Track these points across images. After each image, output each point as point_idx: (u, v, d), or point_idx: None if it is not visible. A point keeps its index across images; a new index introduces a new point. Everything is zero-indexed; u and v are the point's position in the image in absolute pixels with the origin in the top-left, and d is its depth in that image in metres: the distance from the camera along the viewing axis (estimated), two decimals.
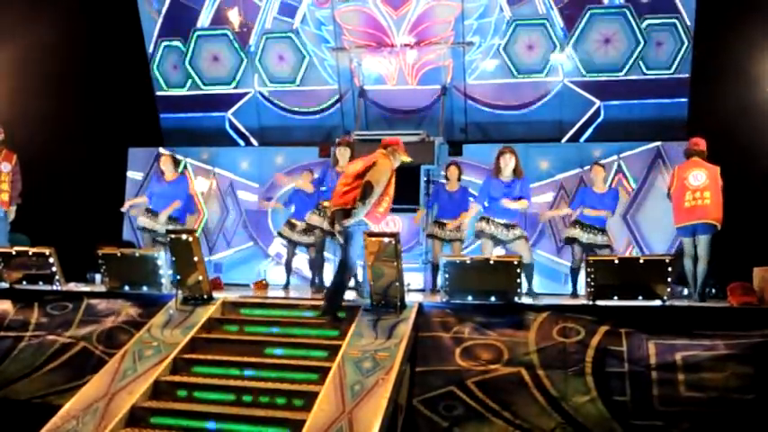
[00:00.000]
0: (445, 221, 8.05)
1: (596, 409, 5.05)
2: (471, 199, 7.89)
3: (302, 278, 9.40)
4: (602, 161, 8.43)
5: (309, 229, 8.29)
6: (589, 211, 7.58)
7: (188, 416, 5.04)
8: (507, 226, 7.13)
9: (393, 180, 6.27)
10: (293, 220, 8.56)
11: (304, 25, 10.44)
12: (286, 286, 8.66)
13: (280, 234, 8.69)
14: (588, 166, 8.31)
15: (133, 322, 6.22)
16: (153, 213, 8.02)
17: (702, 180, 6.98)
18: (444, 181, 8.50)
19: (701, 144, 7.27)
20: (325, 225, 7.40)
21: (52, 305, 6.60)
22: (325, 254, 8.21)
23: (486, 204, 7.38)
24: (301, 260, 9.10)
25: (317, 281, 7.98)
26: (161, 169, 8.37)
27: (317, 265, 7.93)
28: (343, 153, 7.59)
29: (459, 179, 8.35)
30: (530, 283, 7.21)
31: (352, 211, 6.02)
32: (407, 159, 6.44)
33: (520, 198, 7.17)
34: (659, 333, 5.29)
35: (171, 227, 7.70)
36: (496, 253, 7.50)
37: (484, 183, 7.45)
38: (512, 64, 9.97)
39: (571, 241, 7.69)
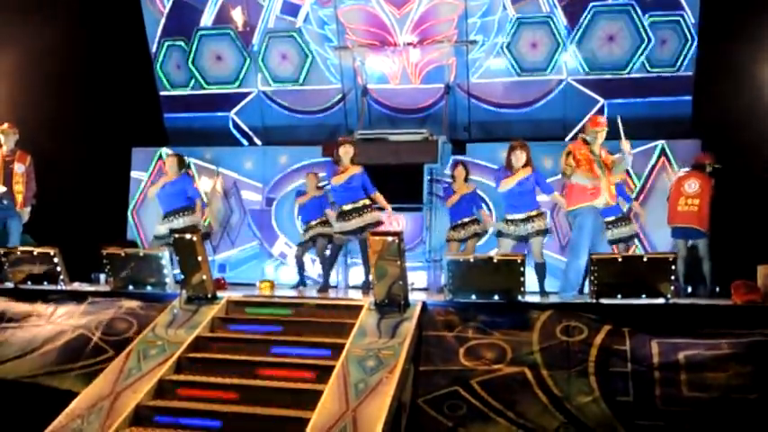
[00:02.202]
0: (459, 222, 8.11)
1: (599, 410, 5.04)
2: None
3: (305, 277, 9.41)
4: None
5: (314, 226, 8.39)
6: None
7: (193, 415, 5.05)
8: (526, 219, 7.08)
9: (587, 158, 6.61)
10: (309, 224, 8.66)
11: (307, 24, 10.45)
12: (297, 286, 8.67)
13: (302, 244, 8.76)
14: None
15: (134, 313, 6.24)
16: (164, 217, 7.99)
17: (695, 189, 7.89)
18: (450, 180, 8.50)
19: (704, 159, 8.13)
20: (352, 226, 7.30)
21: (56, 302, 6.62)
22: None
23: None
24: (305, 259, 9.13)
25: (322, 279, 7.97)
26: (165, 170, 8.36)
27: (328, 262, 7.89)
28: (347, 151, 7.52)
29: (466, 180, 8.36)
30: (541, 283, 7.20)
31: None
32: (598, 129, 6.69)
33: (550, 192, 7.36)
34: (662, 332, 5.28)
35: (182, 220, 7.78)
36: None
37: (496, 178, 7.38)
38: (515, 62, 9.97)
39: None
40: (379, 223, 7.32)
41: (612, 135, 6.78)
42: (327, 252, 8.34)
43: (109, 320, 6.21)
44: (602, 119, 6.86)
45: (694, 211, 7.82)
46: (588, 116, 7.05)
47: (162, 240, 7.83)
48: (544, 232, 7.16)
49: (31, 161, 8.09)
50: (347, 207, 7.32)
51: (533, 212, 7.10)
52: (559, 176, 9.21)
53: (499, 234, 7.25)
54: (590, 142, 6.67)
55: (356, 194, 7.39)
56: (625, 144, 6.57)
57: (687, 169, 8.51)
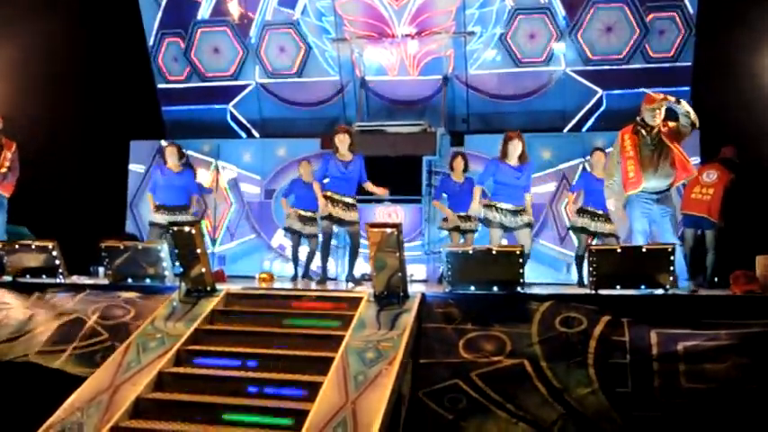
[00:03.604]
0: (462, 214, 8.09)
1: (598, 401, 5.04)
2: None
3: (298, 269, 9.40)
4: (605, 150, 8.36)
5: (312, 218, 8.35)
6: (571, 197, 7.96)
7: (193, 407, 5.05)
8: (515, 212, 7.06)
9: (633, 143, 6.27)
10: (298, 211, 8.57)
11: (304, 16, 10.43)
12: (294, 278, 8.67)
13: (287, 229, 8.68)
14: (589, 156, 8.30)
15: (131, 301, 6.25)
16: (163, 208, 7.96)
17: (712, 179, 7.83)
18: (449, 171, 8.49)
19: (727, 152, 8.12)
20: (336, 212, 7.30)
21: (53, 293, 6.63)
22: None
23: (487, 188, 7.35)
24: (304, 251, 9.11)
25: (319, 271, 7.95)
26: (165, 160, 8.25)
27: (323, 255, 7.79)
28: (342, 140, 7.50)
29: (465, 170, 8.34)
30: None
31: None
32: (654, 105, 6.21)
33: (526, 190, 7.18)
34: (661, 322, 5.27)
35: (181, 218, 7.78)
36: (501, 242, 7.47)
37: (489, 165, 7.26)
38: (513, 53, 9.95)
39: (579, 231, 7.70)
40: (354, 224, 7.37)
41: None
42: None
43: (105, 307, 6.22)
44: (658, 94, 6.31)
45: (707, 200, 7.74)
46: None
47: (158, 228, 7.82)
48: (531, 225, 7.16)
49: (17, 149, 7.87)
50: (336, 197, 7.33)
51: (520, 207, 7.09)
52: (549, 170, 9.35)
53: (488, 223, 7.12)
54: (649, 122, 6.24)
55: (351, 188, 7.40)
56: (667, 98, 6.18)
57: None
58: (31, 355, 5.93)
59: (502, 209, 7.03)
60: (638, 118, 6.35)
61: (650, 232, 6.34)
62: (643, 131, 6.28)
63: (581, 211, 7.72)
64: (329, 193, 7.38)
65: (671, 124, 6.28)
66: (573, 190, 8.11)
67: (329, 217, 7.35)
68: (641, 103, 6.34)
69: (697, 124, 6.14)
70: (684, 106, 6.10)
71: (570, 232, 8.34)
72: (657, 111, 6.22)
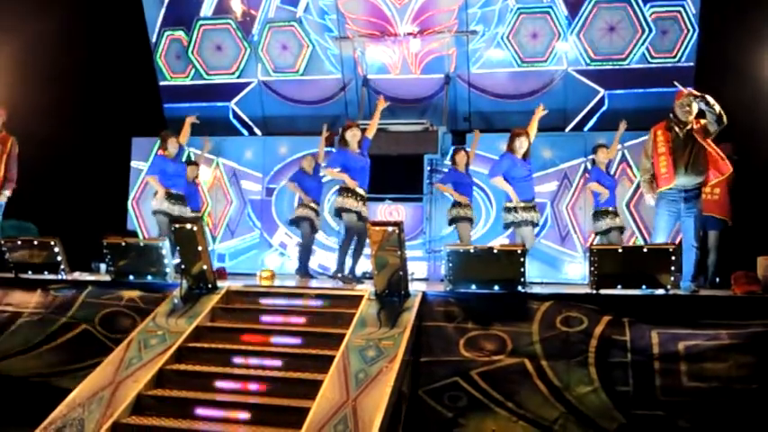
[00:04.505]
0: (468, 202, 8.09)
1: (599, 399, 5.06)
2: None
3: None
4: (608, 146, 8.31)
5: (316, 210, 8.43)
6: (595, 186, 7.80)
7: (194, 404, 5.07)
8: (534, 207, 7.03)
9: (665, 139, 6.23)
10: (306, 201, 8.60)
11: (307, 14, 10.43)
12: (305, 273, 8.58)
13: (299, 218, 8.66)
14: (593, 155, 8.29)
15: (136, 308, 6.26)
16: (173, 197, 7.88)
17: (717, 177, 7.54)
18: (452, 165, 8.49)
19: (726, 149, 7.79)
20: (363, 209, 7.20)
21: (56, 291, 6.63)
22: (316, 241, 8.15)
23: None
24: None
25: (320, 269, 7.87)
26: (169, 150, 8.11)
27: (354, 255, 7.50)
28: (354, 135, 7.43)
29: (467, 166, 8.36)
30: None
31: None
32: (684, 100, 6.21)
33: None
34: (662, 322, 5.28)
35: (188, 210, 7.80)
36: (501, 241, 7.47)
37: (502, 158, 7.12)
38: (515, 53, 9.94)
39: (606, 233, 7.75)
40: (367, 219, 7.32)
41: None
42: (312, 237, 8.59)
43: (111, 315, 6.23)
44: (687, 89, 6.33)
45: (714, 200, 7.73)
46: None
47: (162, 215, 7.77)
48: (538, 224, 7.17)
49: (14, 143, 7.80)
50: (362, 191, 7.25)
51: (534, 202, 7.08)
52: (551, 170, 9.35)
53: (515, 225, 6.96)
54: (681, 118, 6.20)
55: (368, 179, 7.34)
56: (693, 93, 6.15)
57: None
58: (49, 378, 5.98)
59: (526, 206, 6.93)
60: (670, 114, 6.32)
61: (671, 232, 6.33)
62: (676, 128, 6.23)
63: (598, 214, 7.77)
64: (357, 189, 7.20)
65: (702, 121, 6.24)
66: (592, 180, 8.02)
67: (358, 215, 7.18)
68: (674, 101, 6.32)
69: (725, 120, 6.06)
70: (710, 101, 6.03)
71: (598, 237, 8.19)
72: (687, 106, 6.18)
